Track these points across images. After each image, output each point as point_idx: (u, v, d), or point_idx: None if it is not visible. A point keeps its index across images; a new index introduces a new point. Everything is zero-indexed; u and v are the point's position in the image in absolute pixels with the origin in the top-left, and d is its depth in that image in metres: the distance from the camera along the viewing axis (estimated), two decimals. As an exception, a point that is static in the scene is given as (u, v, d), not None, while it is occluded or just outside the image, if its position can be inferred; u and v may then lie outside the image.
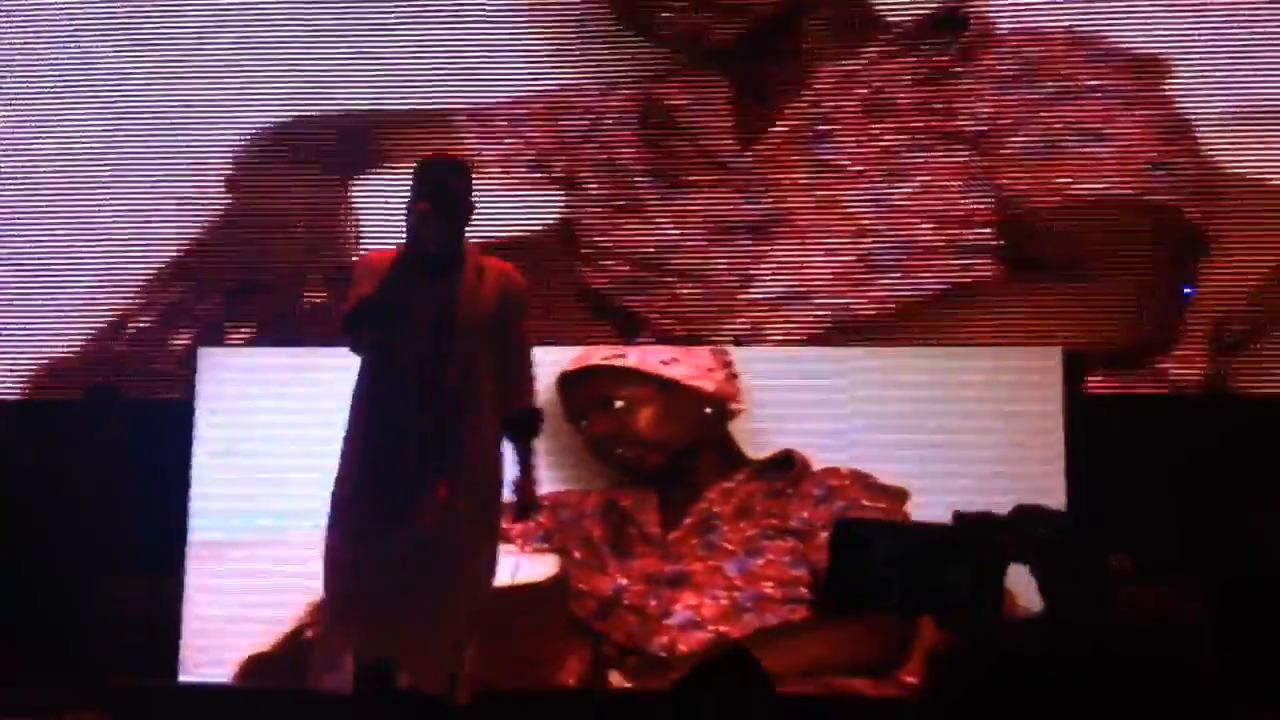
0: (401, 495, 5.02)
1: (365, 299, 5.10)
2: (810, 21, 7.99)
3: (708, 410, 6.91)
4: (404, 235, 5.19)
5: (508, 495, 5.23)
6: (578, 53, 8.10)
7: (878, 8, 7.93)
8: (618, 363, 7.04)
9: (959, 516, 3.27)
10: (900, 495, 6.71)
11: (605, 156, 8.01)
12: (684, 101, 8.03)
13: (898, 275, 7.68)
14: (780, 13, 8.02)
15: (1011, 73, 7.74)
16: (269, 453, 6.90)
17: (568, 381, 6.95)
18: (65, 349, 8.17)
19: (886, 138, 7.79)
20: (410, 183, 5.20)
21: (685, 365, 6.95)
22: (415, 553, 4.95)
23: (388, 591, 4.94)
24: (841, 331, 7.65)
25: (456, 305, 5.15)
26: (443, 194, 5.11)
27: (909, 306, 7.64)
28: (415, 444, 5.04)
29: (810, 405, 6.92)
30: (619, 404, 6.92)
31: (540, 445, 5.39)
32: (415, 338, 5.10)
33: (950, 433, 6.77)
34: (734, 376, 6.92)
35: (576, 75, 8.11)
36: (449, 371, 5.09)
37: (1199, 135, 7.55)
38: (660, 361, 7.00)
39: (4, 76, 8.47)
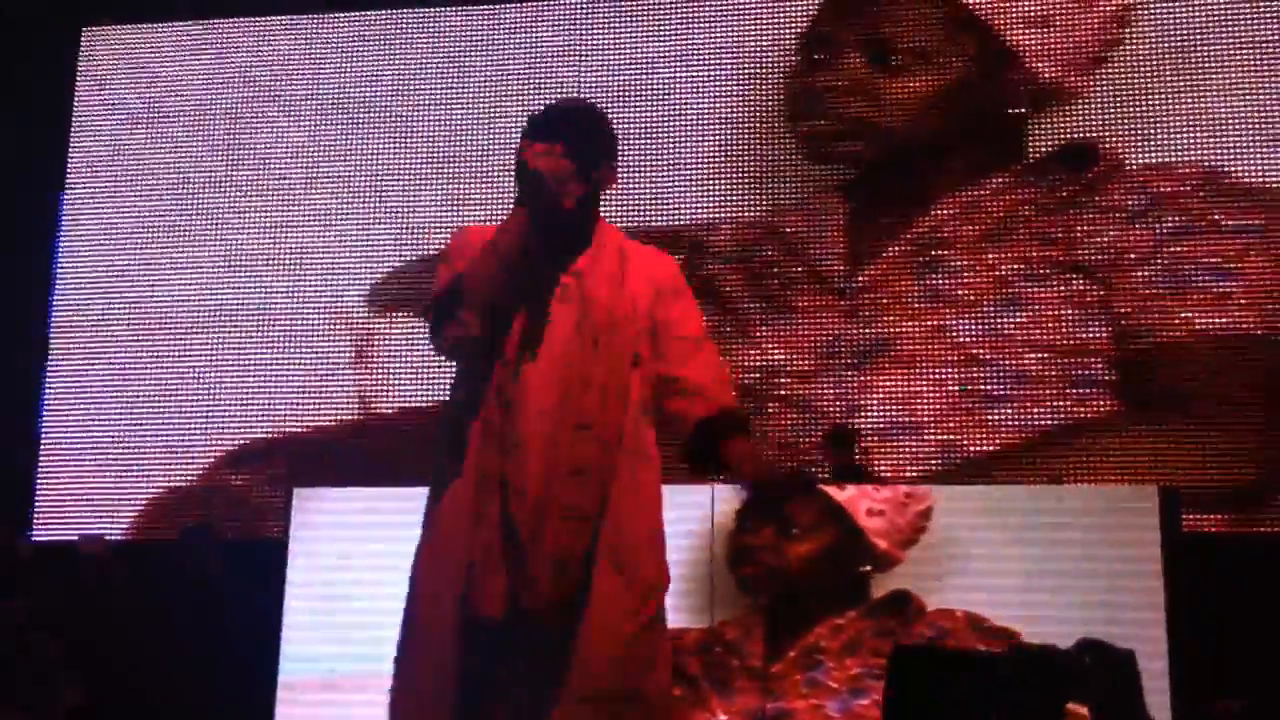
0: (505, 572, 3.57)
1: (462, 278, 3.62)
2: (956, 155, 7.97)
3: (867, 568, 6.76)
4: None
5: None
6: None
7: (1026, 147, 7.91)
8: (832, 493, 6.88)
9: (1019, 648, 3.13)
10: (1010, 637, 6.52)
11: (713, 283, 7.98)
12: (799, 228, 8.00)
13: (1009, 407, 7.55)
14: (928, 143, 8.02)
15: (1139, 206, 7.62)
16: (361, 595, 6.86)
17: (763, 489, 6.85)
18: (164, 489, 8.28)
19: (1002, 267, 7.69)
20: (526, 132, 3.70)
21: (885, 521, 6.79)
22: (528, 662, 3.61)
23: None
24: (951, 467, 7.51)
25: (593, 296, 3.68)
26: (584, 140, 3.67)
27: (1019, 441, 7.49)
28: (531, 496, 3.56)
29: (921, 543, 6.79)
30: (795, 531, 6.80)
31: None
32: (535, 339, 3.65)
33: (1057, 572, 6.59)
34: (912, 543, 6.76)
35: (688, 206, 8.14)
36: (589, 392, 3.62)
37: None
38: (866, 511, 6.82)
39: (121, 220, 8.70)
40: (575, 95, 3.94)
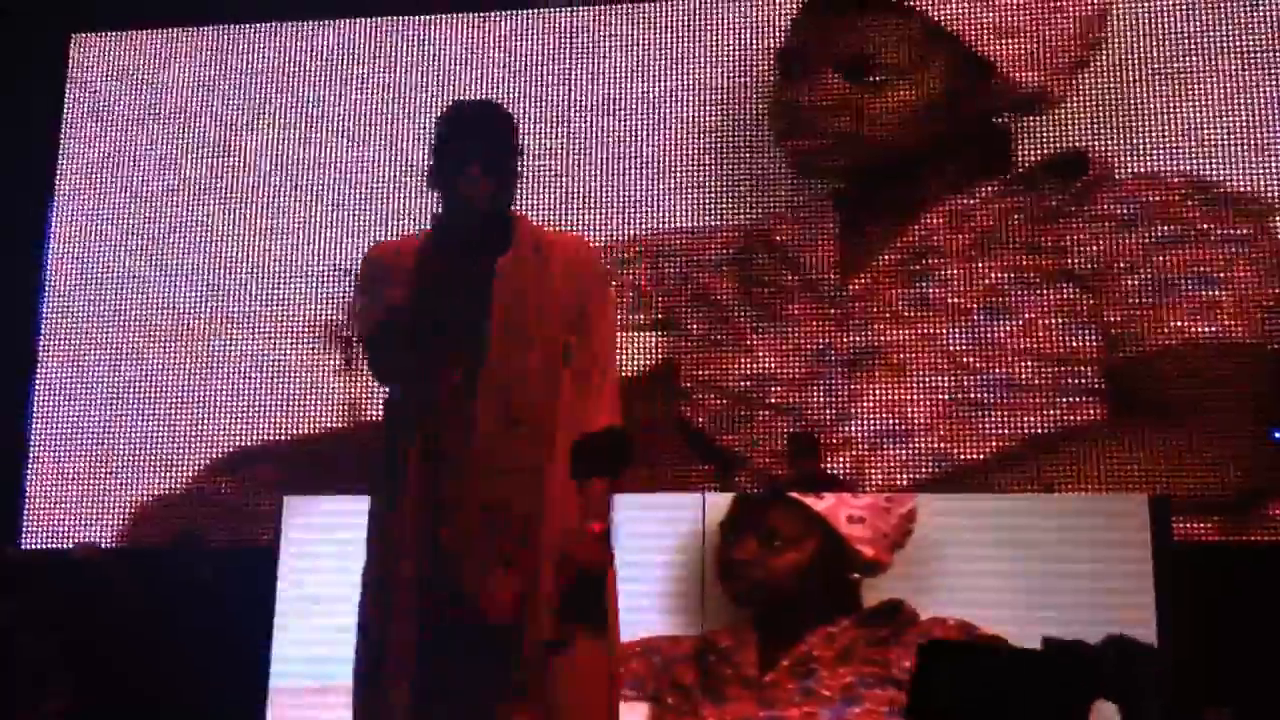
0: (450, 582, 3.61)
1: (390, 316, 3.67)
2: (943, 166, 7.98)
3: (855, 576, 6.76)
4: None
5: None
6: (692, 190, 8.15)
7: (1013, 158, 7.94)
8: (810, 502, 6.90)
9: (1049, 642, 3.14)
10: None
11: (705, 292, 7.98)
12: (790, 236, 8.01)
13: (999, 415, 7.56)
14: (914, 155, 8.04)
15: (1128, 215, 7.64)
16: (351, 602, 6.85)
17: (744, 501, 6.90)
18: (153, 496, 8.26)
19: (992, 275, 7.70)
20: (439, 142, 3.76)
21: (868, 528, 6.79)
22: (475, 674, 3.59)
23: None
24: (940, 475, 7.51)
25: (520, 292, 3.70)
26: (500, 150, 3.73)
27: (1009, 448, 7.50)
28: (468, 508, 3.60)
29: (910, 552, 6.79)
30: (777, 543, 6.80)
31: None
32: (467, 345, 3.67)
33: (1048, 580, 6.60)
34: (899, 546, 6.76)
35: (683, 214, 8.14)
36: (523, 389, 3.66)
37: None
38: (847, 518, 6.83)
39: (109, 227, 8.69)
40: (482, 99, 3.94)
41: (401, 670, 3.63)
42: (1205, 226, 7.57)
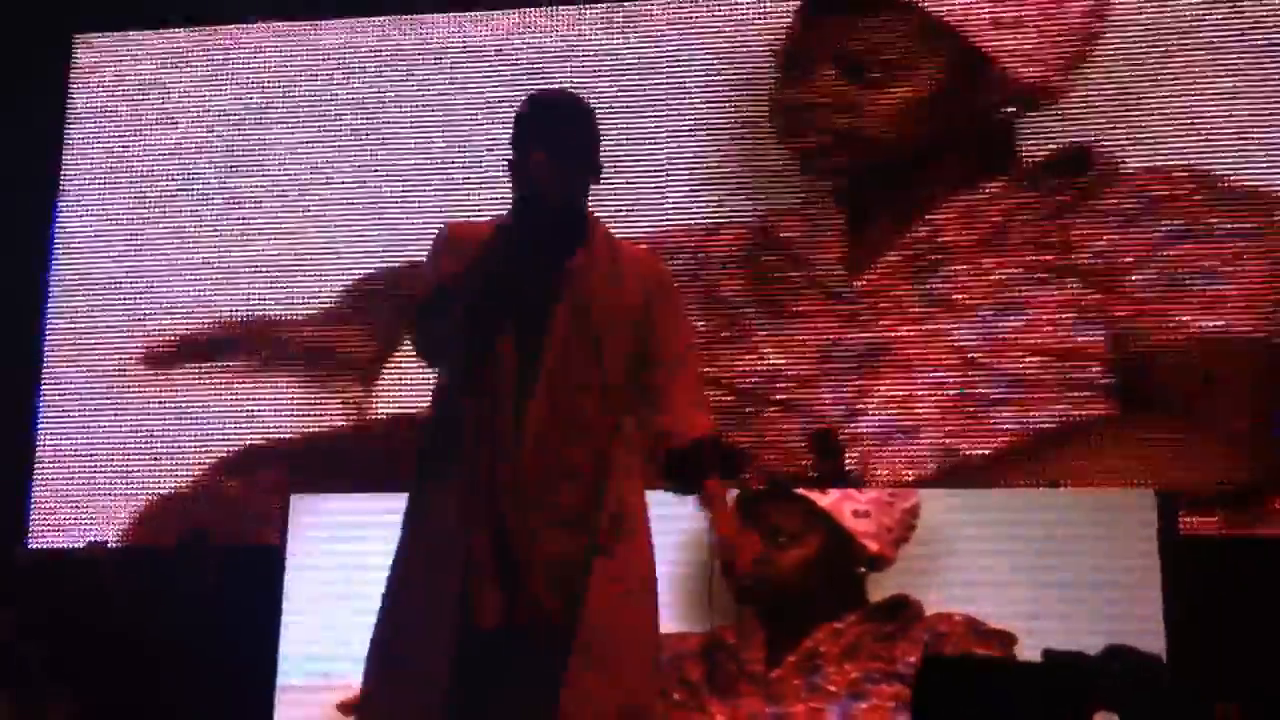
0: (499, 580, 3.43)
1: (448, 282, 3.51)
2: (946, 163, 7.98)
3: (860, 569, 6.76)
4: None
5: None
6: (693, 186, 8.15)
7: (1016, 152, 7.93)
8: (814, 497, 6.85)
9: (1049, 655, 3.15)
10: (1008, 640, 6.52)
11: (712, 290, 7.99)
12: (797, 233, 8.01)
13: (1006, 411, 7.56)
14: (916, 151, 8.04)
15: (1134, 210, 7.63)
16: (359, 600, 6.85)
17: (747, 499, 6.89)
18: (160, 496, 8.29)
19: (999, 271, 7.69)
20: (515, 131, 3.63)
21: (872, 522, 6.78)
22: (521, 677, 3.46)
23: None
24: (949, 470, 7.51)
25: (591, 294, 3.55)
26: (569, 138, 3.59)
27: (1017, 444, 7.50)
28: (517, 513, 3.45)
29: (916, 547, 6.79)
30: (782, 539, 6.79)
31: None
32: (531, 339, 3.51)
33: (1055, 575, 6.59)
34: (904, 541, 6.76)
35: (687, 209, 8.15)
36: (584, 396, 3.51)
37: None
38: (852, 512, 6.82)
39: (115, 227, 8.72)
40: (562, 89, 3.83)
41: (437, 668, 3.44)
42: (1212, 221, 7.56)
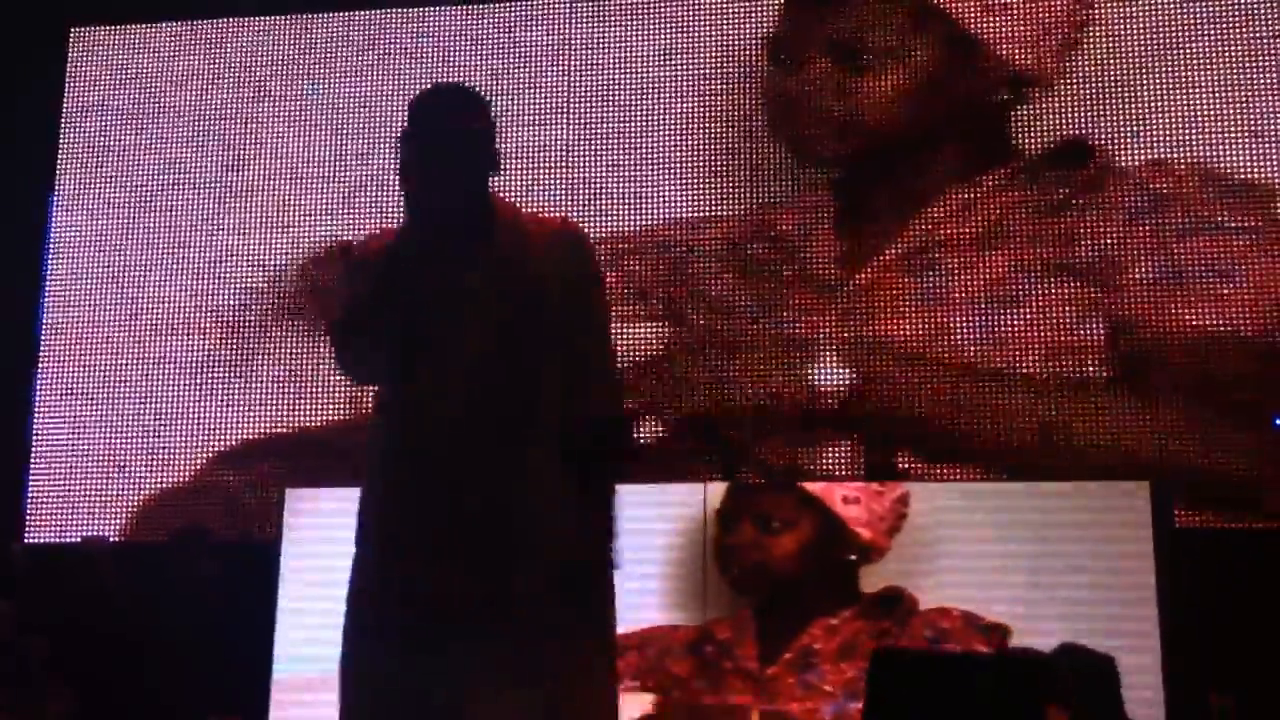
0: (433, 582, 3.50)
1: (359, 300, 3.53)
2: (942, 152, 7.97)
3: (852, 557, 6.76)
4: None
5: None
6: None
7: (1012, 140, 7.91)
8: (806, 486, 6.92)
9: (1000, 652, 3.16)
10: (1003, 632, 6.52)
11: (704, 285, 7.98)
12: (790, 227, 8.00)
13: (1005, 405, 7.55)
14: (911, 139, 8.03)
15: (1135, 204, 7.62)
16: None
17: (738, 490, 6.92)
18: (156, 491, 8.27)
19: (998, 266, 7.68)
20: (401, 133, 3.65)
21: (862, 509, 6.79)
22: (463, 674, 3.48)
23: None
24: (947, 465, 7.53)
25: (498, 283, 3.55)
26: (453, 134, 3.60)
27: (1015, 438, 7.50)
28: (449, 506, 3.50)
29: (911, 539, 6.79)
30: (775, 524, 6.80)
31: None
32: (447, 340, 3.54)
33: (1051, 568, 6.60)
34: (895, 530, 6.77)
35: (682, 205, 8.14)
36: (507, 382, 3.53)
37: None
38: (842, 498, 6.83)
39: (110, 222, 8.70)
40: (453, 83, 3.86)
41: (391, 656, 3.53)
42: (1213, 215, 7.55)
